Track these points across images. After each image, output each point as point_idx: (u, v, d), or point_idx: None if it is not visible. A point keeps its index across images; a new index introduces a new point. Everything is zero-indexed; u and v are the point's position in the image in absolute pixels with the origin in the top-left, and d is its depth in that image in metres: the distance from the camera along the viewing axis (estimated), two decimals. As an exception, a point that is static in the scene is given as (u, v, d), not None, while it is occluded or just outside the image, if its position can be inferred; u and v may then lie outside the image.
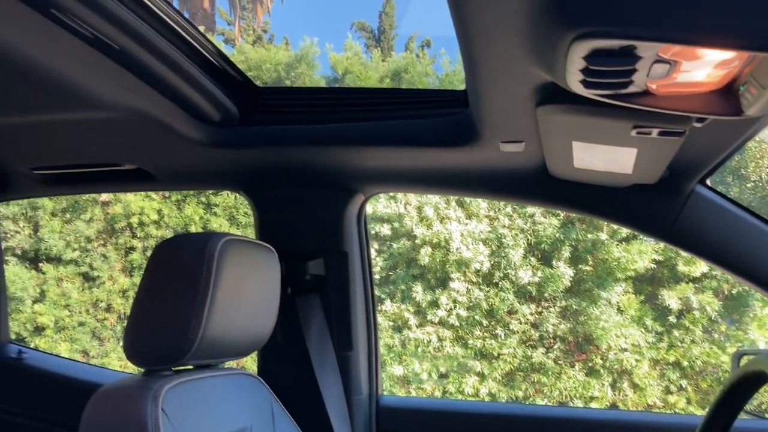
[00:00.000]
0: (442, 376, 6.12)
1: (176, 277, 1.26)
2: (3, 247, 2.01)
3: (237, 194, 6.63)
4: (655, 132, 1.10)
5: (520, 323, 6.13)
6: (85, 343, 6.34)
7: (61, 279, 6.36)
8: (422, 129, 1.47)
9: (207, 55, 1.33)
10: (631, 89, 0.90)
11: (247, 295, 1.35)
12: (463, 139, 1.40)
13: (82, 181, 1.78)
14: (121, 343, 6.41)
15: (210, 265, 1.24)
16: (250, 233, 4.98)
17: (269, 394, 1.52)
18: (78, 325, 6.36)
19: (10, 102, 1.30)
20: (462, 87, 1.38)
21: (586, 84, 0.90)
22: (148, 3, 1.12)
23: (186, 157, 1.61)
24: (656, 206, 1.48)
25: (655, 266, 5.95)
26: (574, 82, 0.90)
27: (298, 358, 1.71)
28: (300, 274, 1.71)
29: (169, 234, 6.49)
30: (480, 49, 0.96)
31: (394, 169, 1.64)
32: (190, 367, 1.37)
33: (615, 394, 5.91)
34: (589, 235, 6.05)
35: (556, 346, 6.12)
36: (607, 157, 1.29)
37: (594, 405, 5.83)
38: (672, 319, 5.83)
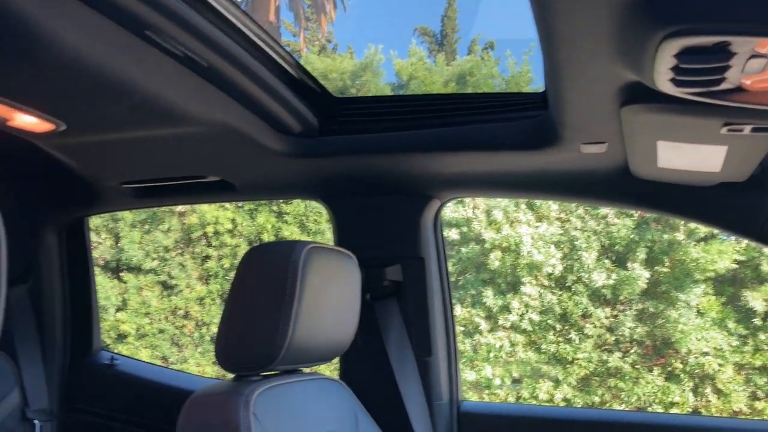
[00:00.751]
0: (516, 381, 6.04)
1: (263, 285, 1.30)
2: (88, 258, 2.11)
3: (307, 202, 6.74)
4: (747, 129, 1.06)
5: (595, 327, 5.99)
6: (165, 349, 6.56)
7: (142, 288, 6.59)
8: (499, 133, 1.47)
9: (288, 67, 1.37)
10: (723, 86, 0.88)
11: (331, 301, 1.37)
12: (542, 141, 1.39)
13: (168, 193, 1.85)
14: (198, 349, 6.61)
15: (295, 272, 1.27)
16: (320, 240, 5.05)
17: (353, 398, 1.54)
18: (158, 332, 6.58)
19: (104, 120, 1.37)
20: (529, 89, 1.37)
21: (676, 83, 0.88)
22: (233, 19, 1.16)
23: (267, 168, 1.66)
24: (746, 205, 1.43)
25: (737, 266, 5.71)
26: (662, 81, 0.88)
27: (379, 363, 1.73)
28: (378, 281, 1.73)
29: (243, 243, 6.65)
30: (564, 52, 0.96)
31: (471, 174, 1.64)
32: (277, 372, 1.40)
33: (697, 400, 5.69)
34: (665, 236, 5.86)
35: (633, 350, 5.95)
36: (694, 156, 1.26)
37: (675, 411, 5.64)
38: (757, 321, 5.58)
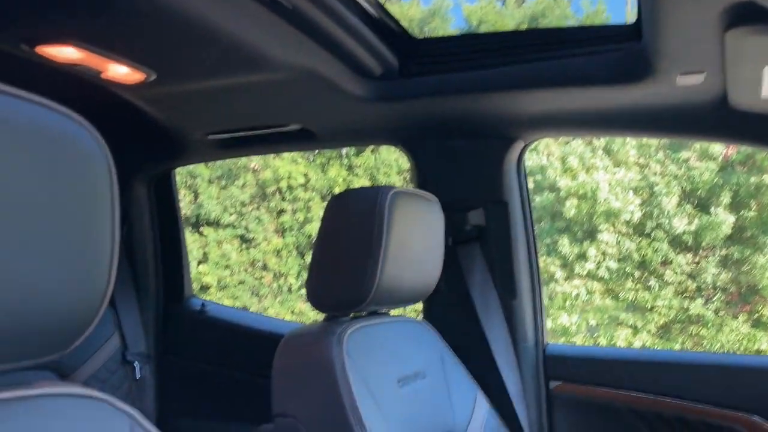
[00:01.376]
0: (593, 329, 5.98)
1: (350, 229, 1.31)
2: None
3: (377, 154, 6.75)
4: None
5: (676, 274, 5.84)
6: (245, 300, 6.79)
7: (221, 241, 6.81)
8: (587, 67, 1.41)
9: (369, 7, 1.35)
10: None
11: (416, 244, 1.38)
12: (634, 74, 1.33)
13: (251, 143, 1.88)
14: (277, 299, 6.81)
15: (381, 216, 1.27)
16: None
17: (439, 339, 1.56)
18: (238, 284, 6.81)
19: (192, 68, 1.39)
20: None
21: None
22: None
23: (348, 114, 1.66)
24: None
25: (831, 209, 5.42)
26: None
27: (463, 306, 1.73)
28: (461, 225, 1.72)
29: (315, 196, 6.74)
30: None
31: (557, 112, 1.59)
32: (366, 313, 1.43)
33: (785, 348, 5.51)
34: (753, 179, 5.60)
35: (716, 297, 5.78)
36: (803, 83, 1.18)
37: (761, 359, 5.46)
38: None
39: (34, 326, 0.56)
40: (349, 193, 1.38)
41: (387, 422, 1.23)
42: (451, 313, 1.75)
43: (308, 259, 6.75)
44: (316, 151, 6.50)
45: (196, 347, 2.13)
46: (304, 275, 6.80)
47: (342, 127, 1.78)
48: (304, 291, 6.82)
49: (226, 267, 6.84)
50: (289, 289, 6.95)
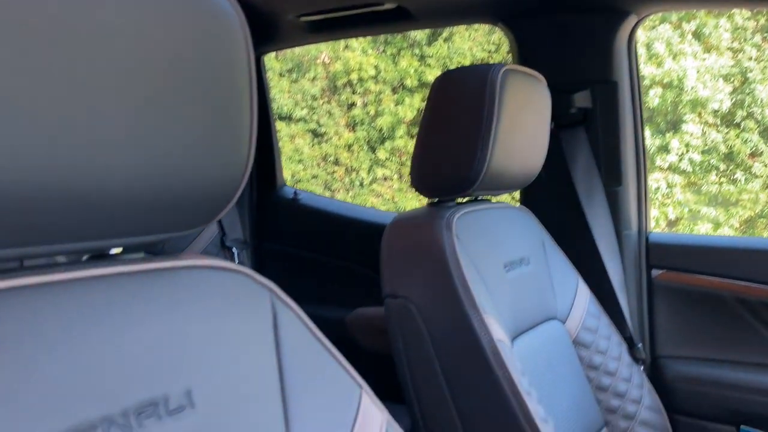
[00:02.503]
0: (672, 222, 5.83)
1: (458, 109, 1.26)
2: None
3: (450, 43, 6.52)
4: None
5: (766, 166, 5.56)
6: (318, 194, 6.89)
7: (294, 136, 6.84)
8: None
9: None
10: None
11: (525, 125, 1.32)
12: None
13: (344, 25, 1.82)
14: (349, 194, 6.88)
15: (492, 95, 1.21)
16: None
17: (540, 226, 1.53)
18: (312, 178, 6.89)
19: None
20: None
21: None
22: None
23: (447, -11, 1.57)
24: None
25: None
26: None
27: (564, 193, 1.68)
28: (565, 107, 1.64)
29: (386, 89, 6.63)
30: None
31: None
32: (471, 199, 1.40)
33: None
34: None
35: (807, 191, 5.51)
36: None
37: None
38: None
39: (181, 198, 0.55)
40: (455, 72, 1.31)
41: (497, 307, 1.23)
42: (552, 200, 1.71)
43: (379, 154, 6.74)
44: (398, 34, 6.31)
45: (289, 234, 2.17)
46: (375, 170, 6.81)
47: (439, 5, 1.69)
48: (375, 186, 6.86)
49: (299, 161, 6.90)
50: (361, 184, 7.00)
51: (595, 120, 1.65)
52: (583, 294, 1.55)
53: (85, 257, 0.58)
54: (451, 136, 1.26)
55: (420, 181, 1.30)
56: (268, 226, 2.17)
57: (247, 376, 0.61)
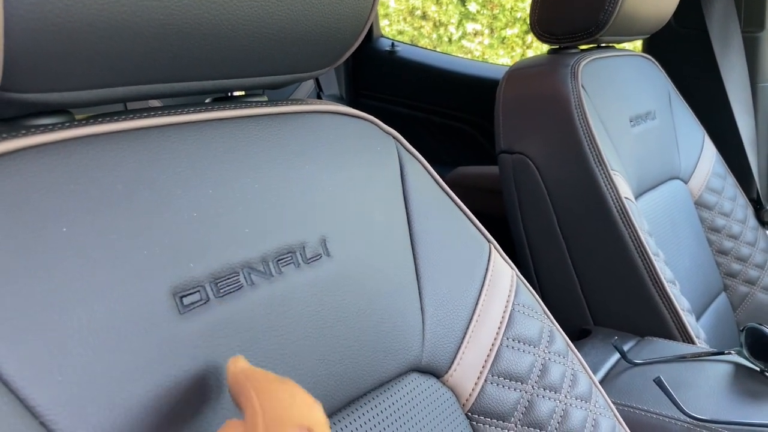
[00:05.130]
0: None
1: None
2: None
3: None
4: None
5: None
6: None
7: (379, -11, 6.54)
8: None
9: None
10: None
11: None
12: None
13: None
14: (437, 49, 6.62)
15: None
16: None
17: (666, 78, 1.39)
18: (398, 34, 6.65)
19: None
20: None
21: None
22: None
23: None
24: None
25: None
26: None
27: (695, 38, 1.52)
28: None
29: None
30: None
31: None
32: (594, 46, 1.27)
33: None
34: None
35: None
36: None
37: None
38: None
39: (308, 37, 0.50)
40: None
41: (622, 163, 1.14)
42: (680, 47, 1.54)
43: (470, 6, 6.38)
44: None
45: (387, 90, 2.09)
46: (465, 24, 6.48)
47: None
48: (464, 41, 6.56)
49: (384, 16, 6.64)
50: (449, 40, 6.71)
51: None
52: (709, 152, 1.43)
53: (207, 100, 0.55)
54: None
55: (541, 24, 1.18)
56: (364, 80, 2.09)
57: (378, 226, 0.57)
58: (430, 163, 0.66)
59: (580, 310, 1.07)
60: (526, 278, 0.93)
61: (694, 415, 0.69)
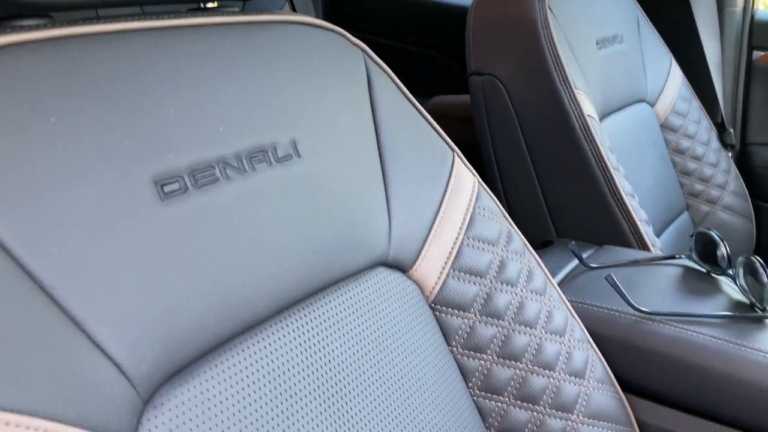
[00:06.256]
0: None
1: None
2: None
3: None
4: None
5: None
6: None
7: None
8: None
9: None
10: None
11: None
12: None
13: None
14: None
15: None
16: None
17: (634, 2, 1.42)
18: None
19: None
20: None
21: None
22: None
23: None
24: None
25: None
26: None
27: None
28: None
29: None
30: None
31: None
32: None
33: None
34: None
35: None
36: None
37: None
38: None
39: None
40: None
41: (587, 83, 1.18)
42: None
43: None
44: None
45: (363, 18, 2.09)
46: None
47: None
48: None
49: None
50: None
51: None
52: (676, 76, 1.47)
53: (184, 10, 0.58)
54: None
55: None
56: (340, 8, 2.09)
57: (346, 132, 0.61)
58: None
59: (545, 224, 1.13)
60: (494, 195, 0.98)
61: (640, 308, 0.75)
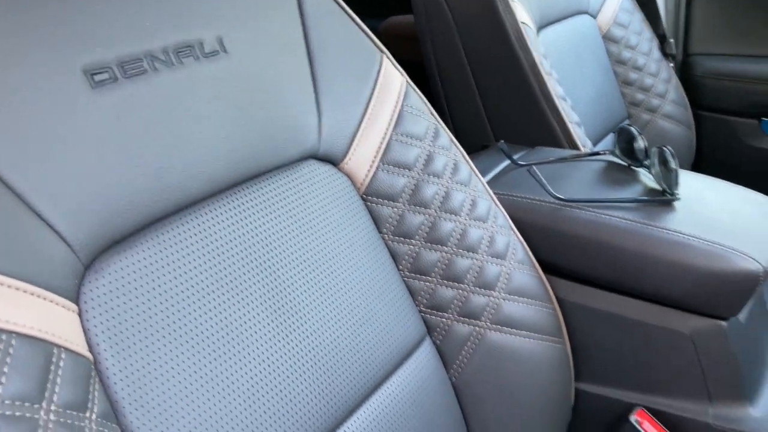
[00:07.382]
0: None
1: None
2: None
3: None
4: None
5: None
6: None
7: None
8: None
9: None
10: None
11: None
12: None
13: None
14: None
15: None
16: None
17: None
18: None
19: None
20: None
21: None
22: None
23: None
24: None
25: None
26: None
27: None
28: None
29: None
30: None
31: None
32: None
33: None
34: None
35: None
36: None
37: None
38: None
39: None
40: None
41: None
42: None
43: None
44: None
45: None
46: None
47: None
48: None
49: None
50: None
51: None
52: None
53: None
54: None
55: None
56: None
57: (273, 29, 0.64)
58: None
59: (484, 130, 1.18)
60: (437, 108, 1.03)
61: (559, 196, 0.81)
